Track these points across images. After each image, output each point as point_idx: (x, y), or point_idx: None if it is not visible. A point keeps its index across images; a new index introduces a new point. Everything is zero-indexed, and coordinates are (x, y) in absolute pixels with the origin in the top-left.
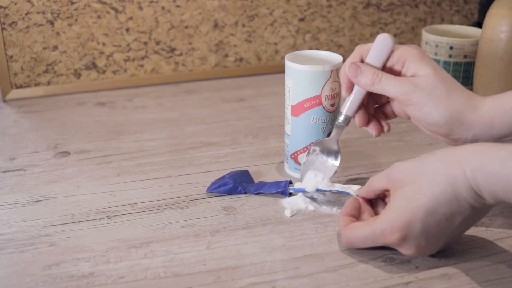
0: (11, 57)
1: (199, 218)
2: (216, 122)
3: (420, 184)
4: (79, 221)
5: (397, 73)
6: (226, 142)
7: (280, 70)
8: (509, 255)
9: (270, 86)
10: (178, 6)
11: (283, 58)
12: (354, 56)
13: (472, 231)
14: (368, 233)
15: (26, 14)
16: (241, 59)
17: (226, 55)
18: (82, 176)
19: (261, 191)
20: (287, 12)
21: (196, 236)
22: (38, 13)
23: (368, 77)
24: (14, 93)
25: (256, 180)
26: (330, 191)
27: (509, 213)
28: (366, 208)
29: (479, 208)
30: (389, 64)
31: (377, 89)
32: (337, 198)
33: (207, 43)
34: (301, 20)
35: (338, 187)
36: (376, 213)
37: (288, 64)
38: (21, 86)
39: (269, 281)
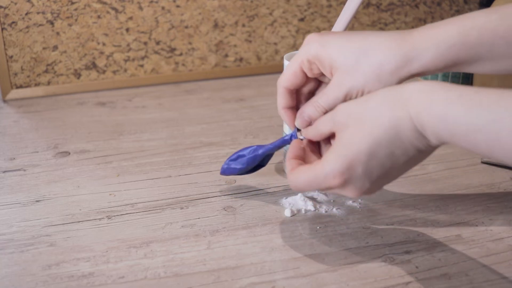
0: (11, 57)
1: (199, 218)
2: (216, 122)
3: (362, 127)
4: (79, 221)
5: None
6: (226, 142)
7: (280, 70)
8: (509, 255)
9: (270, 86)
10: (178, 6)
11: (283, 58)
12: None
13: (472, 231)
14: (312, 177)
15: (26, 14)
16: (241, 59)
17: (226, 55)
18: (82, 176)
19: (271, 148)
20: (287, 12)
21: (196, 236)
22: (38, 13)
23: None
24: (14, 93)
25: (256, 177)
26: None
27: (509, 213)
28: (313, 149)
29: (423, 149)
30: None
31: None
32: (337, 197)
33: (207, 43)
34: (301, 20)
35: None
36: (322, 154)
37: (285, 63)
38: (21, 86)
39: (269, 281)
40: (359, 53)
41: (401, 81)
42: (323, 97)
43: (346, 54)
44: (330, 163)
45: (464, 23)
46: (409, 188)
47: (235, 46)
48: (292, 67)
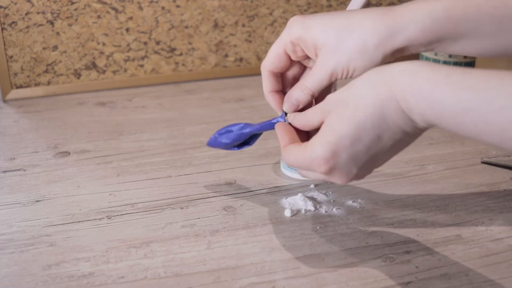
0: (11, 57)
1: (199, 218)
2: (216, 122)
3: (345, 111)
4: (79, 221)
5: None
6: None
7: None
8: (509, 255)
9: None
10: (178, 6)
11: None
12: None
13: (472, 231)
14: (300, 159)
15: (26, 14)
16: (241, 59)
17: (226, 55)
18: (82, 176)
19: (258, 128)
20: (287, 12)
21: (196, 236)
22: (38, 13)
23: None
24: (14, 93)
25: (256, 177)
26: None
27: (509, 213)
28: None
29: (410, 131)
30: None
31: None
32: (337, 198)
33: (207, 43)
34: None
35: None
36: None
37: None
38: (21, 86)
39: (269, 281)
40: (341, 30)
41: (385, 56)
42: (309, 79)
43: (328, 33)
44: (315, 149)
45: None
46: (409, 188)
47: (235, 46)
48: (276, 50)
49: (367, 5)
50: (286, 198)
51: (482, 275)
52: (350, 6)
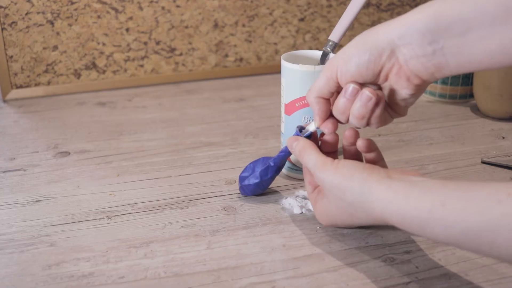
0: (11, 57)
1: (199, 218)
2: (216, 122)
3: (346, 216)
4: (79, 221)
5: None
6: (226, 142)
7: (280, 70)
8: None
9: (270, 86)
10: (178, 6)
11: None
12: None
13: None
14: (311, 201)
15: (26, 14)
16: (241, 59)
17: (226, 55)
18: (82, 176)
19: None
20: (287, 12)
21: (196, 236)
22: (38, 13)
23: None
24: (14, 93)
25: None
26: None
27: None
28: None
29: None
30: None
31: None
32: None
33: (207, 43)
34: (301, 20)
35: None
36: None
37: (283, 63)
38: (21, 86)
39: (269, 281)
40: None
41: (375, 73)
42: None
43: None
44: (318, 217)
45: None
46: None
47: (235, 46)
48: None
49: (367, 5)
50: (286, 198)
51: (482, 275)
52: (350, 6)
